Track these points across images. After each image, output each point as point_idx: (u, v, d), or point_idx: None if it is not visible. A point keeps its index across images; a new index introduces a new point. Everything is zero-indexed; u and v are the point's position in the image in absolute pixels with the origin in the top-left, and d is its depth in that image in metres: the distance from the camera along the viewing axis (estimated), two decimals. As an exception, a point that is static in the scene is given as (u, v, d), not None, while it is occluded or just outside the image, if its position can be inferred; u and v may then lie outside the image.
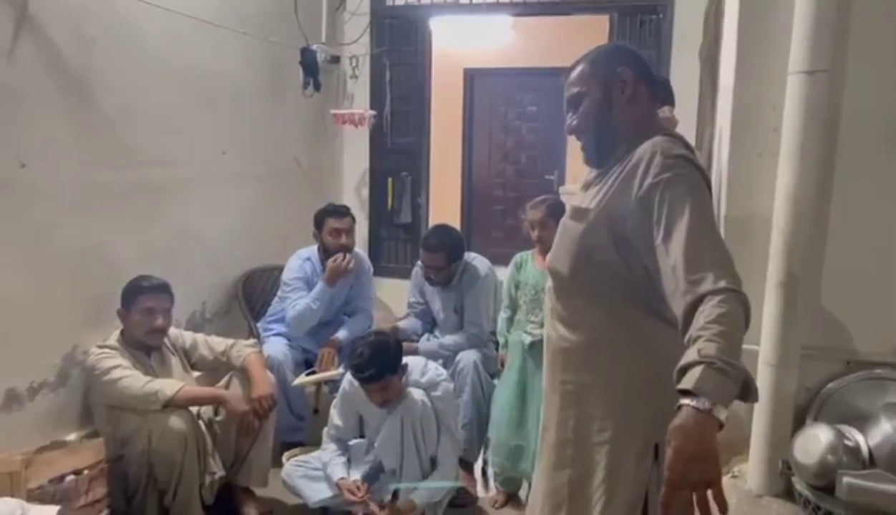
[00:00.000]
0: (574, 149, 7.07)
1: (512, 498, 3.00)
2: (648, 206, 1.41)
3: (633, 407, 1.57)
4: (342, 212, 3.48)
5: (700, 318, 1.26)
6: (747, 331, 1.28)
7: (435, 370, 2.77)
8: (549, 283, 1.69)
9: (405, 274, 4.59)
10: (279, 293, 3.47)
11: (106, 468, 2.46)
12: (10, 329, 2.41)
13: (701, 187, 1.44)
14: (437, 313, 3.38)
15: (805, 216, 2.25)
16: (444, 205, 5.73)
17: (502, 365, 3.02)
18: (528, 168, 7.38)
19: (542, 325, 2.56)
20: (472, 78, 7.21)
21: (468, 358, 3.08)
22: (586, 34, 6.25)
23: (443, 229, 3.37)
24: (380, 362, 2.57)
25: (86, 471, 2.38)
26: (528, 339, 2.83)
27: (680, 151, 1.46)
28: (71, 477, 2.34)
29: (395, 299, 4.43)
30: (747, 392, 1.23)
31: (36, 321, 2.52)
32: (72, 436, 2.62)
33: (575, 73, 1.62)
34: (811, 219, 2.27)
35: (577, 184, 1.76)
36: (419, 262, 3.40)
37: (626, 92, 1.56)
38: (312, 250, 3.50)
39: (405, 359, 2.78)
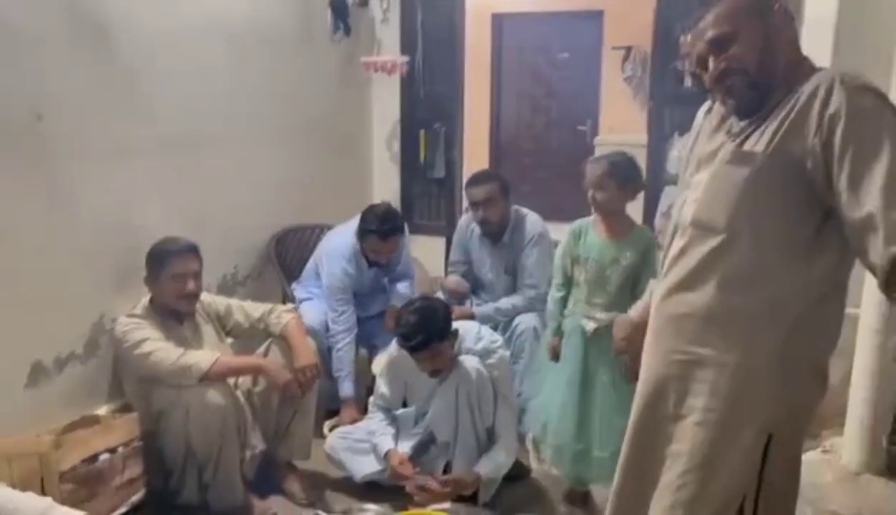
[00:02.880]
0: (610, 96, 6.77)
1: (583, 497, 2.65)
2: (832, 145, 1.27)
3: (751, 388, 1.41)
4: (387, 231, 3.04)
5: None
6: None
7: (490, 336, 2.58)
8: (677, 240, 1.51)
9: (439, 232, 4.40)
10: (319, 268, 3.21)
11: (141, 445, 2.31)
12: (33, 298, 2.23)
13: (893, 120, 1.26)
14: (484, 274, 3.16)
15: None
16: (474, 158, 5.47)
17: (555, 357, 2.53)
18: (560, 118, 7.08)
19: (608, 308, 2.32)
20: (501, 23, 6.86)
21: (527, 322, 2.88)
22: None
23: (483, 170, 3.22)
24: (428, 328, 2.39)
25: (120, 449, 2.24)
26: (591, 326, 2.39)
27: (864, 81, 1.28)
28: (105, 456, 2.19)
29: (428, 257, 4.24)
30: None
31: (60, 288, 2.33)
32: (103, 410, 2.46)
33: (720, 10, 1.42)
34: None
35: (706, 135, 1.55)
36: (464, 214, 3.17)
37: (785, 30, 1.41)
38: (351, 245, 3.14)
39: (457, 325, 2.59)
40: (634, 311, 1.83)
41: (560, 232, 3.51)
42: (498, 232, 3.05)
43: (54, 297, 2.31)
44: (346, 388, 3.03)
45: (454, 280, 3.23)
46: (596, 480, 2.47)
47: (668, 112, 3.90)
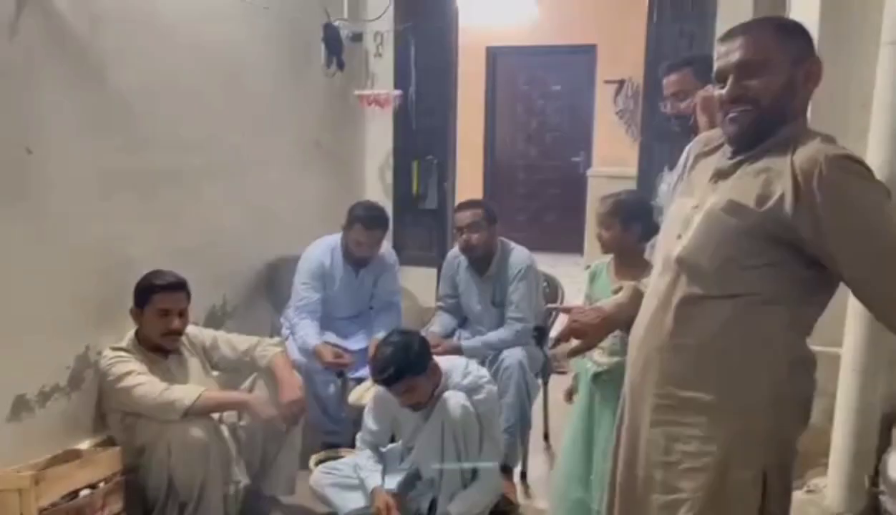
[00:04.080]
0: (603, 129, 6.84)
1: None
2: (829, 215, 1.30)
3: (748, 429, 1.40)
4: (372, 223, 3.16)
5: None
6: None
7: (477, 371, 2.56)
8: (661, 275, 1.50)
9: (431, 263, 4.41)
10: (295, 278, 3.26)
11: (122, 480, 2.28)
12: (18, 329, 2.21)
13: (884, 192, 1.35)
14: (472, 306, 3.16)
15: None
16: (467, 190, 5.51)
17: (567, 397, 2.50)
18: (553, 150, 7.15)
19: (611, 353, 2.21)
20: (495, 56, 6.95)
21: (513, 356, 2.86)
22: (617, 8, 6.03)
23: (471, 200, 3.24)
24: (401, 361, 2.37)
25: (101, 484, 2.21)
26: (592, 369, 2.28)
27: (856, 157, 1.34)
28: (86, 492, 2.16)
29: (420, 288, 4.25)
30: None
31: (46, 320, 2.32)
32: (85, 444, 2.43)
33: (758, 35, 1.41)
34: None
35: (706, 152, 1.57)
36: (453, 249, 3.19)
37: (807, 84, 1.42)
38: (337, 241, 3.28)
39: (444, 360, 2.59)
40: (608, 303, 1.79)
41: (553, 263, 3.55)
42: (484, 262, 3.06)
43: (39, 329, 2.29)
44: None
45: (437, 324, 3.23)
46: None
47: (658, 146, 3.93)
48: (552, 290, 3.43)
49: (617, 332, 2.05)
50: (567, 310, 1.88)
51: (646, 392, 1.51)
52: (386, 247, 3.44)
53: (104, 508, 2.20)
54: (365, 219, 3.15)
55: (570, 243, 6.64)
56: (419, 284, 4.26)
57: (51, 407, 2.36)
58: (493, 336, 3.00)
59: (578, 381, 2.42)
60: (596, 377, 2.26)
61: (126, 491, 2.29)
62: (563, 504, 2.41)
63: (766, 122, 1.39)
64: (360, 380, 3.16)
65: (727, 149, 1.47)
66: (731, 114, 1.42)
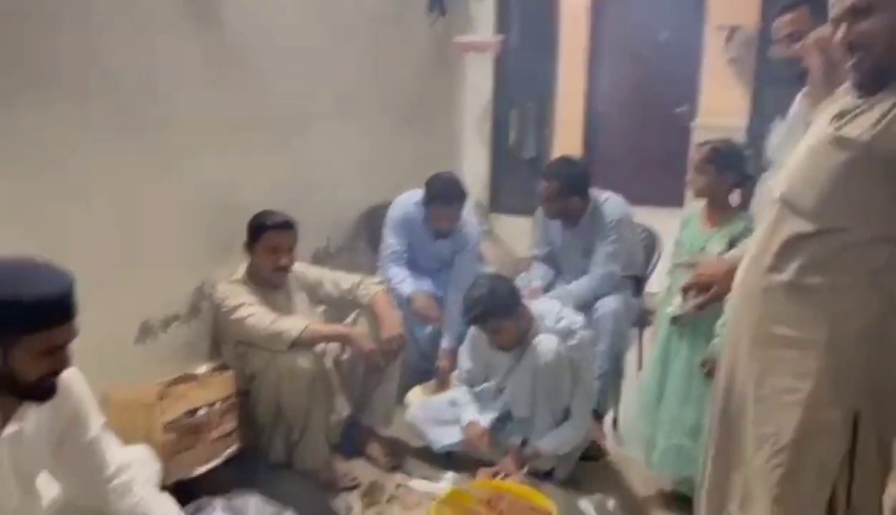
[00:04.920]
0: (711, 78, 6.54)
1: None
2: None
3: (839, 366, 1.41)
4: (450, 199, 3.14)
5: None
6: None
7: (571, 316, 2.58)
8: (765, 218, 1.51)
9: (528, 212, 4.38)
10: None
11: (236, 403, 2.45)
12: (145, 261, 2.39)
13: None
14: (564, 258, 3.15)
15: None
16: (566, 139, 5.43)
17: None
18: (657, 100, 6.88)
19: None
20: (599, 1, 6.72)
21: (608, 305, 2.85)
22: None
23: (561, 159, 3.19)
24: (487, 303, 2.45)
25: (217, 404, 2.38)
26: (671, 312, 2.32)
27: None
28: (204, 410, 2.33)
29: (515, 238, 4.25)
30: None
31: (167, 254, 2.49)
32: (202, 369, 2.62)
33: None
34: None
35: (825, 107, 1.53)
36: None
37: None
38: (415, 203, 3.25)
39: (537, 304, 2.62)
40: (731, 254, 1.85)
41: (654, 215, 3.48)
42: (574, 217, 3.03)
43: (162, 262, 2.47)
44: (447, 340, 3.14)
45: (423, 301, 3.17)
46: (659, 467, 2.44)
47: (771, 94, 3.75)
48: (650, 242, 3.37)
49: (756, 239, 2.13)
50: (692, 265, 2.00)
51: (743, 330, 1.53)
52: (470, 223, 3.37)
53: (219, 426, 2.38)
54: (443, 196, 3.13)
55: (672, 196, 6.43)
56: (515, 234, 4.27)
57: (172, 333, 2.55)
58: (575, 285, 2.98)
59: (659, 325, 2.47)
60: (674, 320, 2.31)
61: (239, 413, 2.46)
62: (634, 438, 2.56)
63: (884, 66, 1.36)
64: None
65: (853, 92, 1.45)
66: (850, 62, 1.41)
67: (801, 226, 1.42)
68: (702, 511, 1.74)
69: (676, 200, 6.36)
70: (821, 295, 1.41)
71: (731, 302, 1.62)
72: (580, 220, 3.04)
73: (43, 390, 1.41)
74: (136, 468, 1.67)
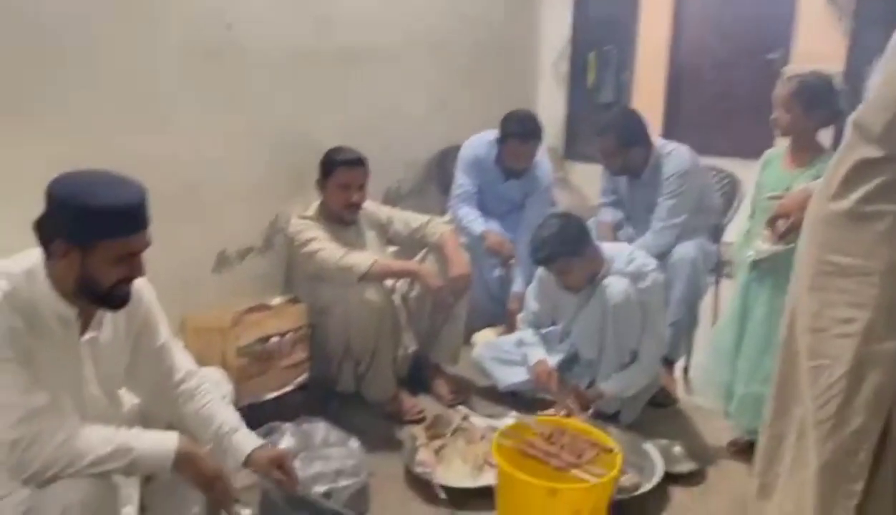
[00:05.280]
0: (807, 20, 6.16)
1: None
2: None
3: (894, 296, 1.38)
4: (526, 137, 3.09)
5: None
6: None
7: (643, 258, 2.52)
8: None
9: (602, 161, 4.29)
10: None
11: (307, 333, 2.52)
12: (222, 194, 2.47)
13: None
14: (628, 209, 3.07)
15: None
16: (647, 84, 5.23)
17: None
18: (746, 46, 6.53)
19: (774, 241, 2.13)
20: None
21: (685, 251, 2.76)
22: None
23: (618, 110, 3.09)
24: (556, 243, 2.40)
25: (289, 335, 2.46)
26: (751, 256, 2.22)
27: None
28: (276, 338, 2.42)
29: (590, 186, 4.14)
30: None
31: (244, 187, 2.57)
32: (276, 300, 2.69)
33: None
34: None
35: None
36: None
37: None
38: (487, 143, 3.22)
39: (608, 246, 2.57)
40: (812, 185, 1.79)
41: (741, 167, 3.32)
42: (636, 171, 2.93)
43: (239, 195, 2.54)
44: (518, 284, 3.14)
45: (495, 238, 3.13)
46: (735, 417, 2.37)
47: (872, 36, 3.49)
48: (731, 187, 3.24)
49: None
50: (776, 197, 1.98)
51: (805, 260, 1.52)
52: (543, 165, 3.31)
53: (290, 355, 2.46)
54: (519, 133, 3.09)
55: (761, 147, 6.13)
56: (589, 182, 4.15)
57: (247, 265, 2.63)
58: (638, 244, 2.85)
59: (738, 270, 2.37)
60: (755, 264, 2.22)
61: (309, 344, 2.53)
62: (708, 386, 2.48)
63: None
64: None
65: None
66: None
67: (870, 151, 1.38)
68: (761, 446, 1.72)
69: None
70: (882, 223, 1.37)
71: (803, 228, 1.57)
72: (643, 173, 2.94)
73: (118, 297, 1.48)
74: (204, 377, 1.75)
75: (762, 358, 2.21)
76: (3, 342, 1.35)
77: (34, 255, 1.46)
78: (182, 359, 1.72)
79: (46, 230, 1.42)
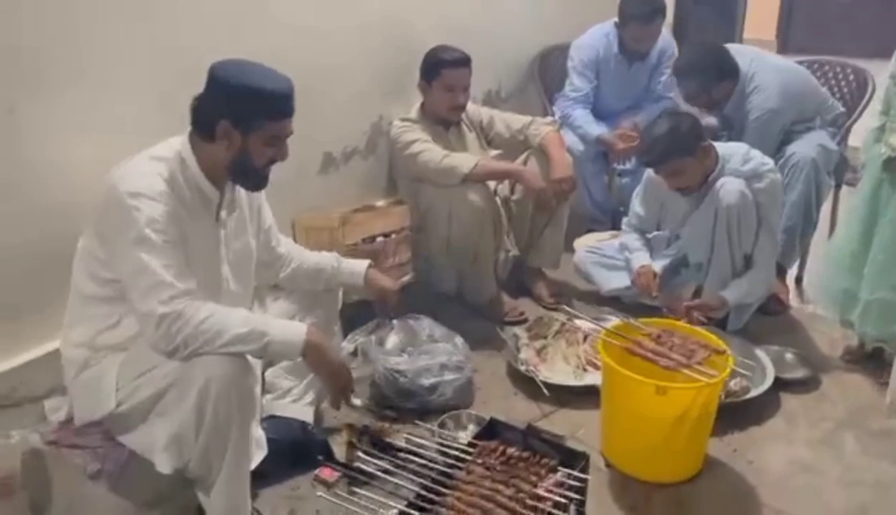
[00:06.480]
0: None
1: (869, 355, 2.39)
2: None
3: None
4: (650, 14, 2.96)
5: None
6: None
7: (760, 158, 2.38)
8: None
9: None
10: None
11: (410, 235, 2.55)
12: (325, 95, 2.46)
13: None
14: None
15: None
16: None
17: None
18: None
19: None
20: None
21: (804, 151, 2.60)
22: None
23: (688, 50, 2.89)
24: (668, 142, 2.28)
25: (393, 235, 2.49)
26: (885, 153, 2.07)
27: None
28: (381, 239, 2.46)
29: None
30: None
31: (346, 88, 2.56)
32: (380, 202, 2.72)
33: None
34: None
35: None
36: None
37: None
38: (611, 28, 3.12)
39: (722, 145, 2.44)
40: None
41: (869, 69, 3.04)
42: (720, 106, 2.79)
43: (342, 96, 2.54)
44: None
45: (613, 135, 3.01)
46: (859, 324, 2.23)
47: None
48: (860, 83, 2.99)
49: None
50: None
51: None
52: (666, 39, 3.21)
53: (395, 256, 2.50)
54: (642, 15, 2.97)
55: (889, 45, 5.62)
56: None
57: (351, 166, 2.66)
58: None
59: (866, 169, 2.21)
60: (888, 162, 2.06)
61: (413, 245, 2.56)
62: (826, 293, 2.35)
63: None
64: (622, 174, 3.17)
65: None
66: None
67: None
68: None
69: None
70: None
71: None
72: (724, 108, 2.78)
73: (264, 178, 1.62)
74: (290, 243, 1.98)
75: (891, 262, 2.08)
76: (167, 224, 1.45)
77: (176, 141, 1.55)
78: (282, 238, 1.94)
79: (208, 111, 1.51)
